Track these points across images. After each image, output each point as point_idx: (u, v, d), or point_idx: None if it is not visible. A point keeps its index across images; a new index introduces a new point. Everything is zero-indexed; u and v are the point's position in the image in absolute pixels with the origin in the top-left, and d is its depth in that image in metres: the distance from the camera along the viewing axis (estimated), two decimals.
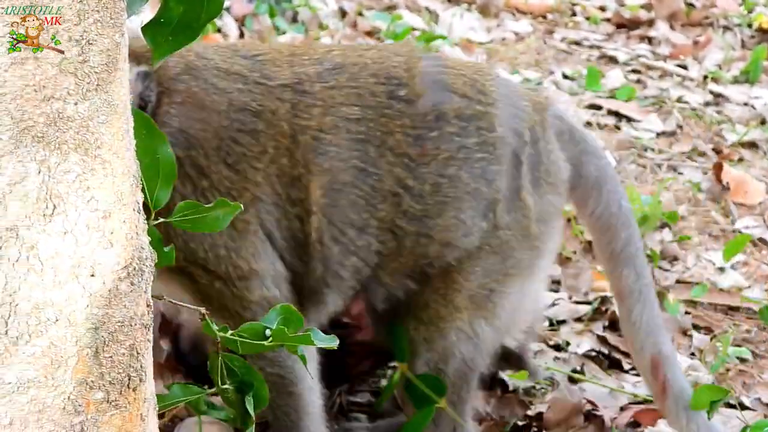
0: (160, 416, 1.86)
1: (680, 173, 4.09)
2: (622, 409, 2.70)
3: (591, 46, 5.31)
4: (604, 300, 3.14)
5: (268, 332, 1.71)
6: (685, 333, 3.12)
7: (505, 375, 2.77)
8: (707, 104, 4.74)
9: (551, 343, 3.00)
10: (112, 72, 1.38)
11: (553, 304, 3.18)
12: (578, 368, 2.87)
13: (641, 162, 4.14)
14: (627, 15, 5.65)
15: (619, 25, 5.59)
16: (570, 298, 3.21)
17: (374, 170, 2.23)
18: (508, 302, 2.33)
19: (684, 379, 2.47)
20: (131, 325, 1.40)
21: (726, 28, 5.69)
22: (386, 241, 2.25)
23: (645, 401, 2.73)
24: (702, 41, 5.43)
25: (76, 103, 1.35)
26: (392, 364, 2.64)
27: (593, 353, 2.94)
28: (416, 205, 2.24)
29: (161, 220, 1.65)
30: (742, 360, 2.99)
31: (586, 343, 2.97)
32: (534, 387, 2.78)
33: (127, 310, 1.39)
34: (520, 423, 2.65)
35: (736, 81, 5.01)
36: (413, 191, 2.24)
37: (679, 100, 4.72)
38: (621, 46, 5.35)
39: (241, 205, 1.67)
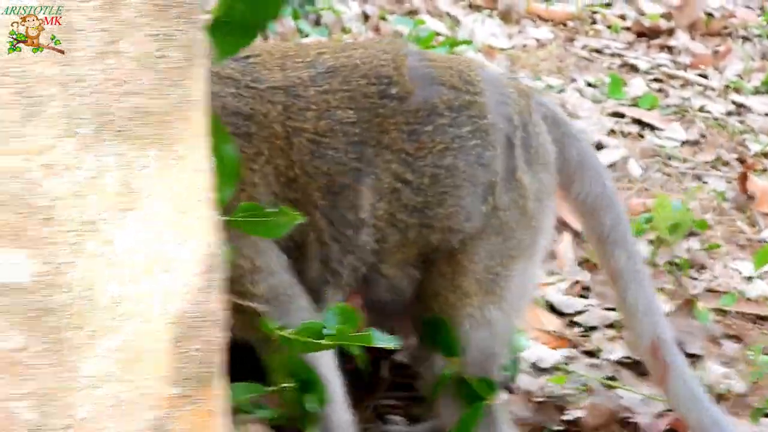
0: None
1: (705, 182, 4.09)
2: (657, 416, 2.70)
3: (612, 55, 5.31)
4: None
5: (326, 331, 1.71)
6: (715, 341, 3.12)
7: (543, 379, 2.77)
8: (729, 114, 4.74)
9: (584, 349, 3.00)
10: (190, 67, 1.38)
11: (583, 311, 3.18)
12: (611, 375, 2.87)
13: (666, 170, 4.14)
14: (647, 24, 5.66)
15: (640, 34, 5.59)
16: (599, 304, 3.21)
17: (371, 170, 2.25)
18: (514, 285, 2.36)
19: (684, 362, 2.47)
20: (205, 321, 1.40)
21: (745, 39, 5.70)
22: (387, 236, 2.29)
23: None
24: (722, 51, 5.44)
25: (154, 98, 1.35)
26: (393, 357, 2.64)
27: (626, 360, 2.94)
28: (416, 197, 2.28)
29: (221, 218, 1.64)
30: None
31: (618, 350, 2.97)
32: (570, 393, 2.78)
33: (201, 306, 1.39)
34: (557, 428, 2.64)
35: (757, 91, 5.01)
36: (412, 185, 2.27)
37: (701, 109, 4.72)
38: (641, 54, 5.35)
39: (303, 217, 1.65)
